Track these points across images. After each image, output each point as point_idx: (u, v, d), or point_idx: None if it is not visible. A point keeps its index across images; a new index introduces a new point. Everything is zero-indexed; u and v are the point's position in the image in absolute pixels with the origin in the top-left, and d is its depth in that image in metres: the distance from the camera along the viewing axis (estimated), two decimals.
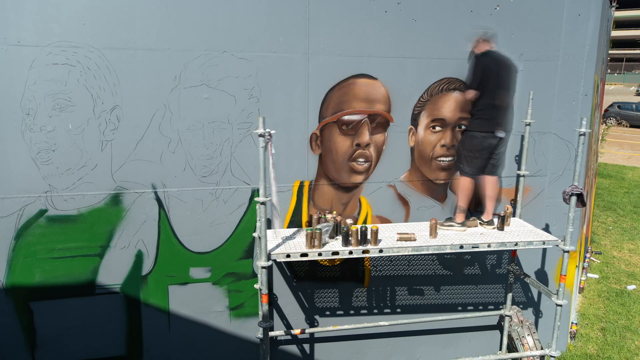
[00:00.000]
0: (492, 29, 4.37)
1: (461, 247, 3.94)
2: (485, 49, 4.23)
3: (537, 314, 5.11)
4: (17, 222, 3.81)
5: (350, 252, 3.79)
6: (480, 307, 5.10)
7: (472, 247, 3.96)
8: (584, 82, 4.77)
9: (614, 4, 8.15)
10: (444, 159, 4.64)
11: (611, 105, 26.04)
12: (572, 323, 5.62)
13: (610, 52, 11.16)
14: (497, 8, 4.44)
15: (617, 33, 50.42)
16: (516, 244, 4.05)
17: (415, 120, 4.51)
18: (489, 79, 4.11)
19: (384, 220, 4.62)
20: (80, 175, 3.87)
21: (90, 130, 3.83)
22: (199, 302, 4.34)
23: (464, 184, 4.34)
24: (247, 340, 4.49)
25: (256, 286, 3.93)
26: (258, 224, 3.98)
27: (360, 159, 4.46)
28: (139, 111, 3.89)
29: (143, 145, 3.95)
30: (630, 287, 6.99)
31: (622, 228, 9.66)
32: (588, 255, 7.76)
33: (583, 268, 7.06)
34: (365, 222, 4.58)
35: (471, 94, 4.18)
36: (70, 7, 3.63)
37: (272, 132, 3.49)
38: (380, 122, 4.42)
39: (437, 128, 4.58)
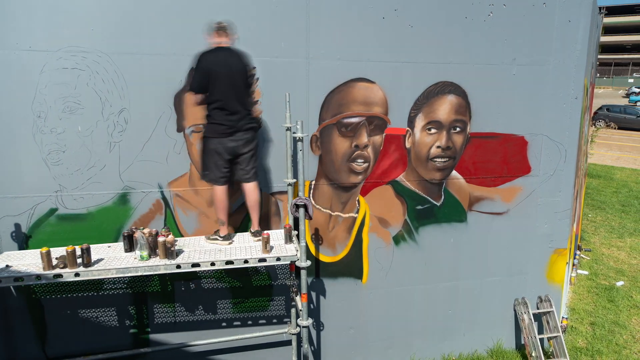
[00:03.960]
0: (228, 21, 3.73)
1: (212, 264, 3.56)
2: (216, 44, 3.67)
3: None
4: (28, 220, 3.81)
5: (77, 275, 3.34)
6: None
7: (226, 264, 3.57)
8: (574, 86, 4.77)
9: (603, 11, 8.17)
10: (440, 159, 4.65)
11: (600, 108, 26.03)
12: (563, 318, 5.62)
13: (599, 56, 11.16)
14: (491, 14, 4.44)
15: (606, 38, 50.42)
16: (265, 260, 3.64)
17: (411, 123, 4.50)
18: (213, 80, 3.58)
19: (382, 220, 4.62)
20: (89, 175, 3.87)
21: (99, 132, 3.83)
22: (203, 297, 4.34)
23: (214, 193, 3.81)
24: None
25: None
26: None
27: (359, 160, 4.46)
28: (146, 114, 3.89)
29: (149, 147, 3.95)
30: (619, 284, 6.99)
31: (610, 226, 9.65)
32: (578, 252, 7.77)
33: (573, 265, 7.07)
34: (363, 221, 4.58)
35: (192, 97, 3.74)
36: (80, 13, 3.63)
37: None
38: (378, 124, 4.42)
39: (433, 130, 4.58)
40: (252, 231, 3.98)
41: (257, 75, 4.04)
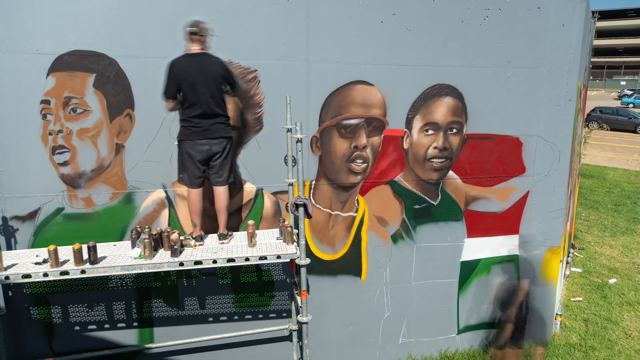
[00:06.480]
0: (204, 22, 3.67)
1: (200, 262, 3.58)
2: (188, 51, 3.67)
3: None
4: (35, 219, 3.81)
5: (83, 272, 3.38)
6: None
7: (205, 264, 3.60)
8: (567, 88, 4.78)
9: (596, 15, 8.18)
10: (437, 160, 4.65)
11: (593, 110, 26.06)
12: (557, 314, 5.62)
13: (592, 60, 11.17)
14: (487, 18, 4.45)
15: (598, 42, 50.47)
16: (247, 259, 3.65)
17: (409, 124, 4.51)
18: (181, 85, 3.60)
19: (381, 219, 4.62)
20: (94, 175, 3.87)
21: (105, 133, 3.83)
22: (206, 295, 4.34)
23: (188, 196, 3.84)
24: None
25: None
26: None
27: (358, 160, 4.46)
28: (150, 115, 3.89)
29: (154, 148, 3.95)
30: (611, 281, 7.00)
31: (603, 225, 9.66)
32: (572, 250, 7.77)
33: (567, 262, 7.07)
34: (362, 220, 4.59)
35: (167, 104, 3.71)
36: (86, 17, 3.63)
37: None
38: (376, 126, 4.42)
39: (430, 131, 4.58)
40: (219, 234, 3.89)
41: (258, 77, 4.05)
